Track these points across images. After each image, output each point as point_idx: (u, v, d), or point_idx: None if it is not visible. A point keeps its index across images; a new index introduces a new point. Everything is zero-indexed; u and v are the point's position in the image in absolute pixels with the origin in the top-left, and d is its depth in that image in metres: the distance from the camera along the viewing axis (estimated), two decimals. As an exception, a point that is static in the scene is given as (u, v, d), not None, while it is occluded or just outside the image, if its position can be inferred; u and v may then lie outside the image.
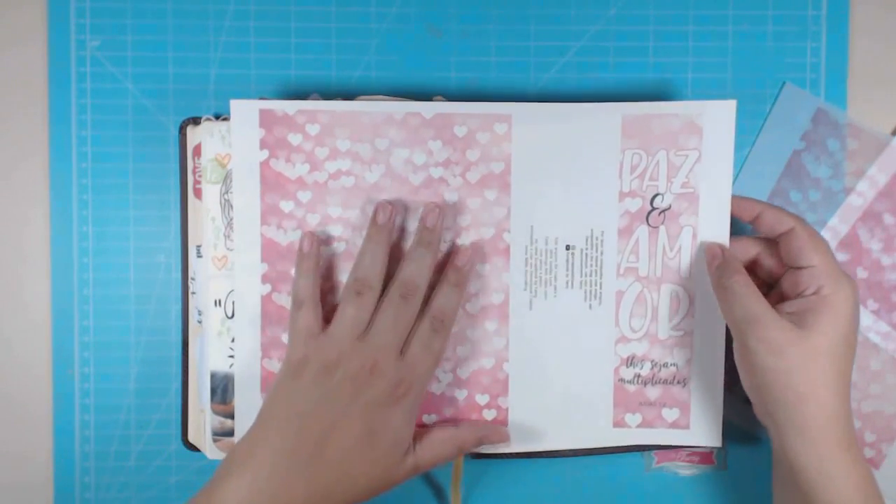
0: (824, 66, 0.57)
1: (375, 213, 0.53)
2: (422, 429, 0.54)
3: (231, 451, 0.50)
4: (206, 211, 0.55)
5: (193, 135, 0.55)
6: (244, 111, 0.54)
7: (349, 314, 0.51)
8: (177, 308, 0.57)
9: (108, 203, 0.57)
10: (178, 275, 0.57)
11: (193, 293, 0.56)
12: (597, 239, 0.55)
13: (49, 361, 0.58)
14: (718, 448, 0.58)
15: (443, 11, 0.58)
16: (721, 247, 0.53)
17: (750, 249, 0.54)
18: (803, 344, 0.48)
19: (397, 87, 0.57)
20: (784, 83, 0.57)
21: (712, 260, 0.53)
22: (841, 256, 0.57)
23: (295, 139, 0.54)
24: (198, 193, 0.55)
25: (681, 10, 0.57)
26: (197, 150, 0.55)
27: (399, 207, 0.54)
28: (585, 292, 0.55)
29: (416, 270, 0.52)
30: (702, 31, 0.57)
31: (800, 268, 0.51)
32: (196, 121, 0.56)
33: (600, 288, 0.55)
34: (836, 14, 0.57)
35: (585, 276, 0.55)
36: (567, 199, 0.54)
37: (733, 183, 0.57)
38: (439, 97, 0.55)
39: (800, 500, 0.49)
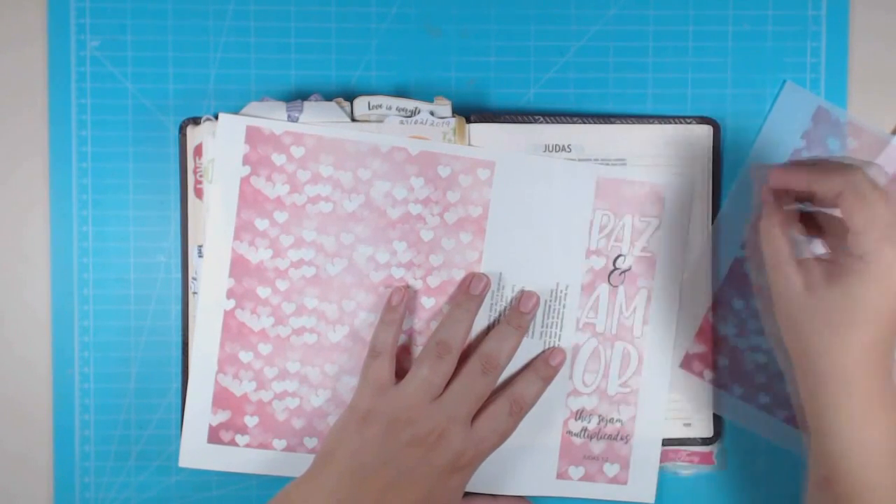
0: (824, 66, 0.58)
1: (469, 282, 0.54)
2: (464, 499, 0.55)
3: (286, 494, 0.51)
4: (207, 211, 0.55)
5: (194, 135, 0.55)
6: (231, 125, 0.54)
7: (424, 375, 0.52)
8: (177, 308, 0.57)
9: (108, 203, 0.57)
10: (178, 275, 0.57)
11: (195, 293, 0.56)
12: (561, 292, 0.56)
13: (49, 361, 0.58)
14: (719, 448, 0.58)
15: (443, 11, 0.58)
16: (764, 186, 0.50)
17: (799, 182, 0.49)
18: (824, 304, 0.46)
19: (397, 87, 0.57)
20: (785, 81, 0.57)
21: (757, 192, 0.53)
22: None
23: (279, 159, 0.54)
24: (199, 193, 0.55)
25: (681, 9, 0.57)
26: (198, 150, 0.55)
27: (492, 279, 0.55)
28: (545, 342, 0.56)
29: (500, 347, 0.54)
30: (702, 31, 0.57)
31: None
32: (196, 121, 0.56)
33: (559, 340, 0.56)
34: (836, 14, 0.57)
35: (546, 326, 0.56)
36: (538, 250, 0.56)
37: (733, 183, 0.58)
38: (440, 98, 0.55)
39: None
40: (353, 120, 0.55)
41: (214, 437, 0.56)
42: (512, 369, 0.56)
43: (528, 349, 0.56)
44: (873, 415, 0.46)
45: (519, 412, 0.54)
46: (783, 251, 0.48)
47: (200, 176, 0.55)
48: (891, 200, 0.46)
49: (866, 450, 0.46)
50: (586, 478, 0.57)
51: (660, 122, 0.56)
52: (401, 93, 0.57)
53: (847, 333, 0.46)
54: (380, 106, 0.55)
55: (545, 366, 0.55)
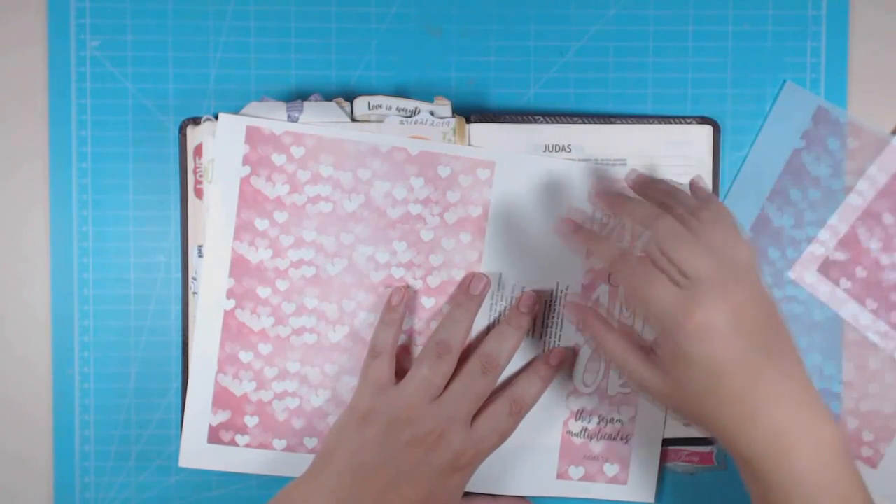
0: (824, 66, 0.58)
1: (469, 282, 0.54)
2: (464, 499, 0.55)
3: (286, 494, 0.51)
4: (207, 211, 0.55)
5: (194, 135, 0.55)
6: (231, 125, 0.54)
7: (424, 375, 0.52)
8: (177, 308, 0.57)
9: (108, 203, 0.57)
10: (178, 275, 0.57)
11: (195, 293, 0.56)
12: (562, 293, 0.56)
13: (49, 361, 0.58)
14: (719, 448, 0.58)
15: (443, 11, 0.58)
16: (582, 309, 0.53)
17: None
18: (679, 392, 0.47)
19: (397, 87, 0.57)
20: (785, 81, 0.57)
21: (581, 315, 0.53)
22: (840, 255, 0.57)
23: (279, 159, 0.54)
24: (199, 193, 0.55)
25: (681, 9, 0.57)
26: (198, 150, 0.55)
27: (493, 279, 0.55)
28: (545, 343, 0.56)
29: (500, 347, 0.54)
30: (702, 31, 0.57)
31: None
32: (196, 121, 0.56)
33: (559, 340, 0.56)
34: (836, 14, 0.57)
35: (547, 327, 0.56)
36: (538, 250, 0.56)
37: (733, 183, 0.58)
38: (440, 98, 0.55)
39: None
40: (353, 120, 0.55)
41: (214, 437, 0.56)
42: (512, 369, 0.56)
43: (528, 349, 0.56)
44: (794, 453, 0.45)
45: (519, 412, 0.54)
46: (628, 360, 0.49)
47: (200, 176, 0.55)
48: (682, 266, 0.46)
49: (795, 488, 0.45)
50: (586, 478, 0.57)
51: (660, 122, 0.56)
52: (401, 93, 0.57)
53: (712, 399, 0.46)
54: (380, 106, 0.55)
55: (545, 366, 0.55)
